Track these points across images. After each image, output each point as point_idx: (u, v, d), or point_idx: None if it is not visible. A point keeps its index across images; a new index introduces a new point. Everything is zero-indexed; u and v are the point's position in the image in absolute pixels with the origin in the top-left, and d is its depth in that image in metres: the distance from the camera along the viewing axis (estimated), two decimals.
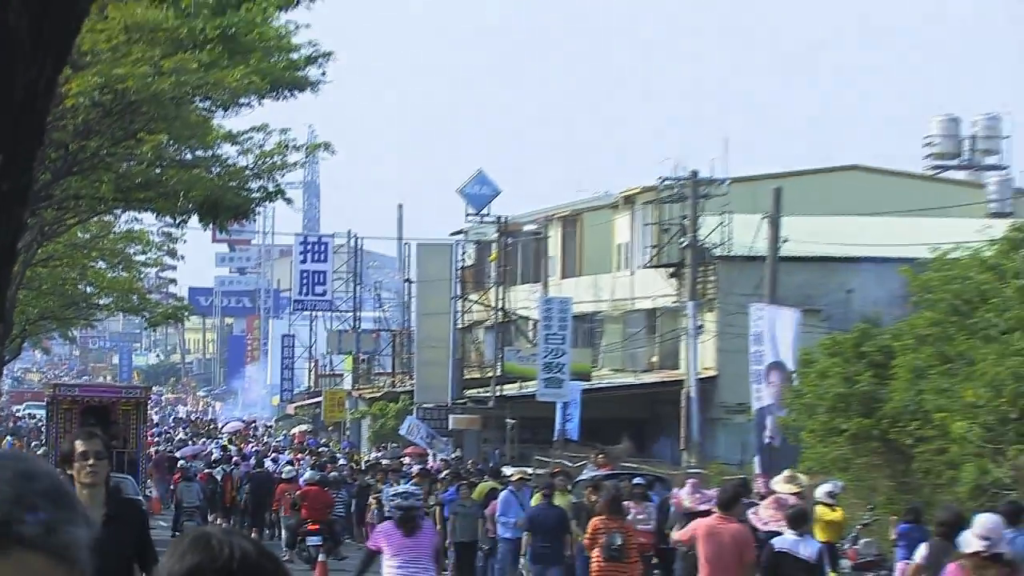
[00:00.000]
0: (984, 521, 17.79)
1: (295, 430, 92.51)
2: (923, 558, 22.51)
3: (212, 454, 66.95)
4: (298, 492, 48.31)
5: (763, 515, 30.64)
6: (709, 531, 25.72)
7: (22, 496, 2.73)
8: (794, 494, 31.81)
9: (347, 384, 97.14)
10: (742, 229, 60.89)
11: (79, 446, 12.17)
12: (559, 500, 36.53)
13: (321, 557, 42.76)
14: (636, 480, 40.21)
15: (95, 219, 57.16)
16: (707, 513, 27.60)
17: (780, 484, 33.24)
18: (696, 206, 62.07)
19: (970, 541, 17.04)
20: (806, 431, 46.91)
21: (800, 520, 27.44)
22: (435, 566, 27.01)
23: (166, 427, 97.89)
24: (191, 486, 55.93)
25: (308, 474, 49.58)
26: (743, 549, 25.52)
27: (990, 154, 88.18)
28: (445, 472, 52.27)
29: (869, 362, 45.23)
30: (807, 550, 24.92)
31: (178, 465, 62.59)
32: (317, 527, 46.09)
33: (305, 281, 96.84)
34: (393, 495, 28.97)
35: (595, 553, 31.11)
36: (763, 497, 33.46)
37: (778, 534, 27.20)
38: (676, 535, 29.32)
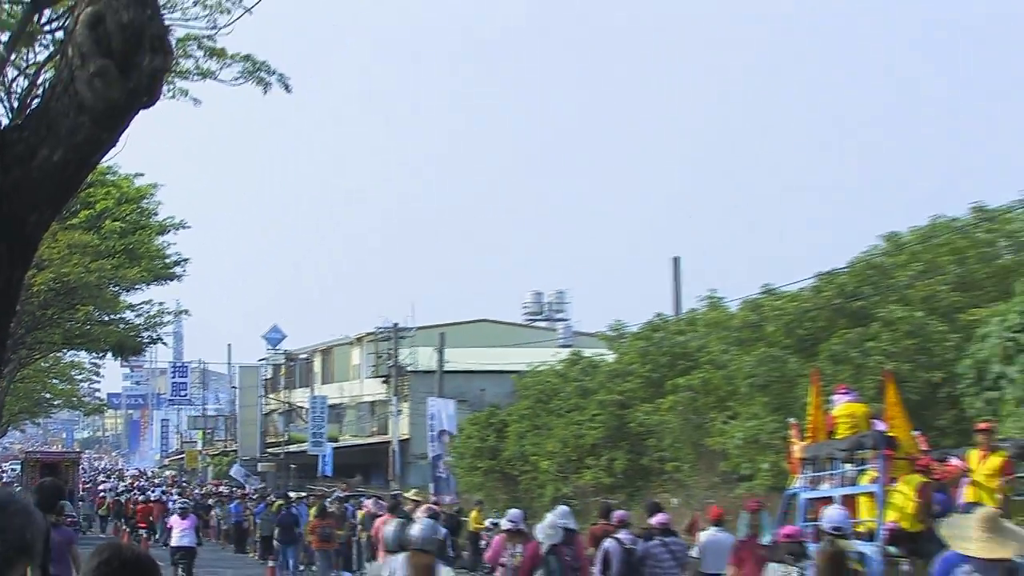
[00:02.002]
0: (559, 511, 20.89)
1: (167, 473, 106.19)
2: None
3: (118, 487, 72.64)
4: (155, 506, 53.94)
5: (418, 514, 28.35)
6: (383, 525, 26.63)
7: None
8: (417, 503, 31.40)
9: (199, 446, 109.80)
10: (424, 355, 66.98)
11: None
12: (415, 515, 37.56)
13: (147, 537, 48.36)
14: (362, 498, 43.98)
15: (51, 355, 66.25)
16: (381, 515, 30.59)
17: (410, 496, 32.51)
18: (396, 343, 69.53)
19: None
20: (460, 469, 54.58)
21: (435, 516, 27.38)
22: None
23: (93, 474, 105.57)
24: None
25: (175, 501, 48.71)
26: None
27: (559, 311, 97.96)
28: (256, 496, 58.35)
29: (494, 429, 52.15)
30: (439, 534, 21.94)
31: (100, 493, 70.81)
32: (146, 525, 51.27)
33: (175, 388, 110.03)
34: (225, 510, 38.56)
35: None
36: (417, 504, 31.49)
37: None
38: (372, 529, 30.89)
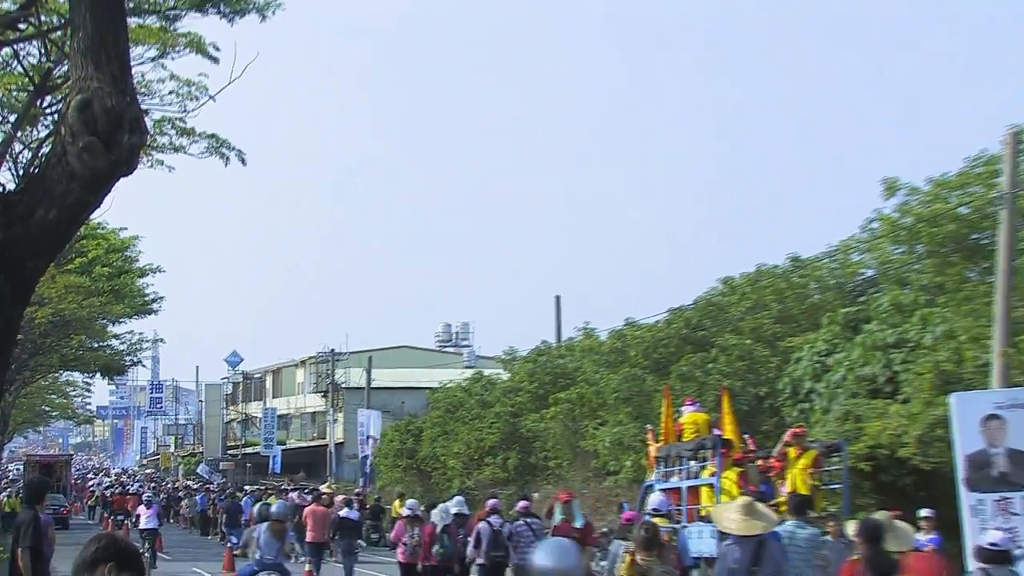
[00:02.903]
0: (454, 500, 21.99)
1: (147, 471, 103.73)
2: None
3: (103, 483, 70.12)
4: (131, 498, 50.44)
5: (337, 502, 32.12)
6: (312, 512, 29.29)
7: None
8: (328, 494, 33.72)
9: (172, 449, 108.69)
10: (355, 375, 67.17)
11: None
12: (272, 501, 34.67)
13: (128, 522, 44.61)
14: (306, 491, 42.34)
15: (50, 375, 64.56)
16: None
17: (324, 488, 35.43)
18: (333, 365, 70.71)
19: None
20: (384, 466, 54.13)
21: (350, 503, 31.51)
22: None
23: (83, 472, 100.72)
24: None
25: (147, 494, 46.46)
26: (326, 517, 29.10)
27: (464, 339, 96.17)
28: (218, 489, 58.15)
29: (411, 434, 52.36)
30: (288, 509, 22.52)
31: (89, 488, 70.80)
32: (123, 512, 48.04)
33: (152, 402, 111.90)
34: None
35: None
36: (332, 494, 35.21)
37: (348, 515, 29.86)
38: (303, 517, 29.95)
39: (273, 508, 20.42)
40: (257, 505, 35.10)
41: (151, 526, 34.41)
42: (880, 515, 12.87)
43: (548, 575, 6.21)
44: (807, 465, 19.55)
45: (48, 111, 20.59)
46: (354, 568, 28.70)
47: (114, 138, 6.75)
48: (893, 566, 11.31)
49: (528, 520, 20.48)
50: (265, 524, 18.79)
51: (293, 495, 38.12)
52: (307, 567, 27.08)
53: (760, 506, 13.02)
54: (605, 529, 24.96)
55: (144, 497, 41.05)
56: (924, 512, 18.26)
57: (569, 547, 6.58)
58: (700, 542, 18.09)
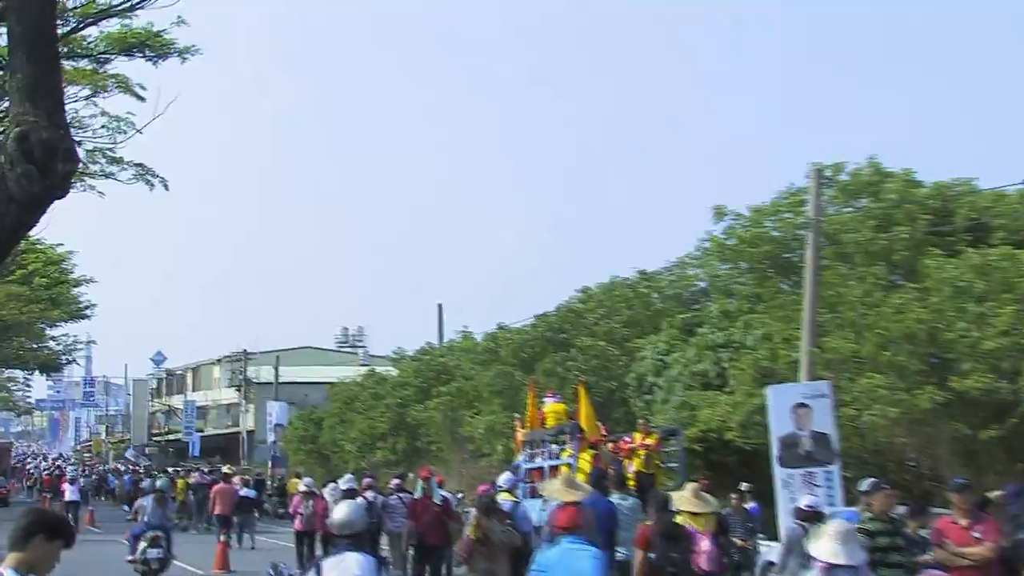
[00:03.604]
0: (344, 478, 21.57)
1: (85, 456, 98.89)
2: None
3: (41, 466, 68.90)
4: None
5: (236, 482, 31.12)
6: (219, 490, 29.29)
7: None
8: (229, 474, 32.40)
9: (103, 436, 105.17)
10: (265, 371, 65.03)
11: None
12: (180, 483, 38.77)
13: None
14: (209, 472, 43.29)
15: None
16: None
17: (226, 469, 33.65)
18: (245, 363, 68.54)
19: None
20: (290, 450, 53.98)
21: (248, 483, 32.35)
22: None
23: (23, 457, 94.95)
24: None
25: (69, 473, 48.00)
26: (231, 494, 28.98)
27: (360, 340, 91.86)
28: (143, 470, 57.26)
29: (313, 423, 52.28)
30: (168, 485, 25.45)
31: (28, 471, 68.48)
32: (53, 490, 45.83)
33: (85, 395, 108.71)
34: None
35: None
36: (235, 474, 34.09)
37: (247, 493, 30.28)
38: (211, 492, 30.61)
39: (158, 483, 23.87)
40: (146, 481, 36.78)
41: (74, 499, 36.14)
42: (690, 485, 12.91)
43: (338, 524, 7.59)
44: (650, 447, 19.76)
45: None
46: (254, 536, 28.97)
47: (49, 166, 6.57)
48: (676, 529, 11.62)
49: (400, 495, 20.63)
50: (151, 495, 21.29)
51: (196, 474, 39.36)
52: (222, 538, 26.37)
53: (578, 480, 13.35)
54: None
55: (68, 475, 42.73)
56: (744, 485, 18.53)
57: (358, 505, 8.45)
58: (540, 513, 17.90)
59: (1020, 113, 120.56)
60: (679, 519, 11.93)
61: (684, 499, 12.14)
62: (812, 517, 12.47)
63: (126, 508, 37.97)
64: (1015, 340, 18.80)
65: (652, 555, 11.44)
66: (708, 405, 25.26)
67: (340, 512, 7.75)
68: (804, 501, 13.39)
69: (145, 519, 20.65)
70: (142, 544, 20.07)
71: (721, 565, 12.35)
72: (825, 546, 8.42)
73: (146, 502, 21.48)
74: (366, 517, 8.27)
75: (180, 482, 37.91)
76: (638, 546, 11.73)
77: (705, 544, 11.89)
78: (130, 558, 20.73)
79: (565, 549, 8.50)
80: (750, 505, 18.66)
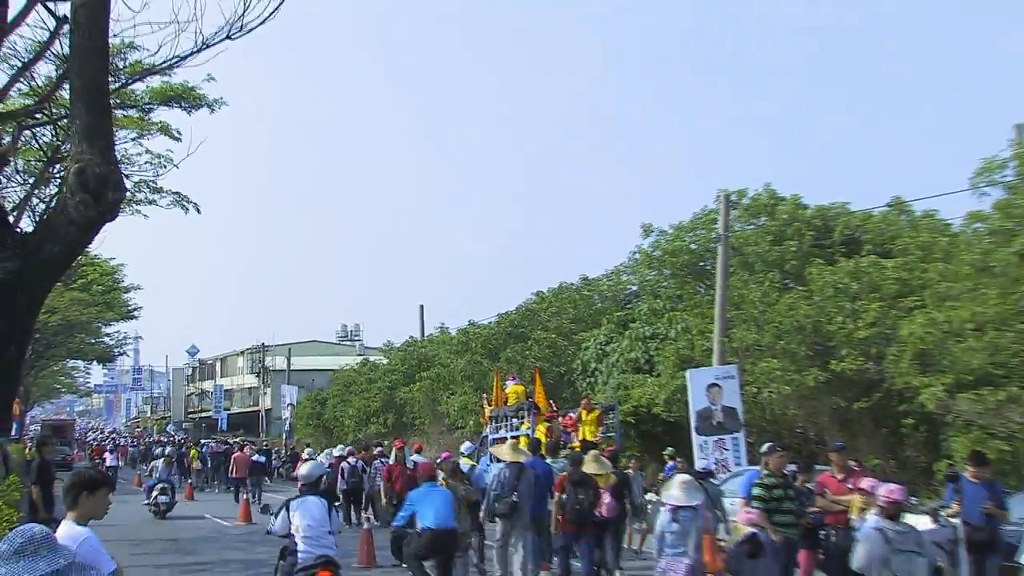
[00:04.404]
0: (338, 447, 24.63)
1: (136, 430, 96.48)
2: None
3: (99, 439, 70.26)
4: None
5: (248, 450, 30.71)
6: (236, 457, 28.87)
7: None
8: (246, 444, 32.95)
9: (148, 415, 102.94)
10: (280, 361, 64.13)
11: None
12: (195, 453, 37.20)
13: None
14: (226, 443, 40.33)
15: (60, 363, 62.70)
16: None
17: (237, 440, 36.73)
18: (264, 354, 68.12)
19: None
20: (300, 425, 51.73)
21: (259, 452, 31.72)
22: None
23: (84, 431, 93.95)
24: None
25: (109, 445, 49.82)
26: (245, 460, 28.58)
27: (357, 335, 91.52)
28: (181, 442, 50.45)
29: (319, 402, 51.12)
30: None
31: (88, 441, 68.80)
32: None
33: (134, 381, 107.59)
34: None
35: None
36: (244, 445, 33.33)
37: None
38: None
39: (167, 451, 29.15)
40: (156, 450, 38.47)
41: (112, 464, 36.98)
42: (591, 452, 13.71)
43: (302, 476, 9.19)
44: (593, 420, 19.96)
45: (56, 175, 19.99)
46: (262, 494, 28.56)
47: (102, 195, 6.66)
48: (584, 479, 12.35)
49: (381, 459, 20.91)
50: (162, 459, 25.23)
51: (212, 444, 38.91)
52: (244, 496, 26.30)
53: (521, 446, 14.00)
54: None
55: (109, 446, 44.43)
56: (669, 450, 18.85)
57: (316, 464, 9.55)
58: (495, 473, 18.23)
59: (884, 148, 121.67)
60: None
61: (587, 462, 12.80)
62: (703, 475, 13.48)
63: (143, 468, 37.83)
64: (880, 330, 18.89)
65: (564, 496, 12.28)
66: (639, 386, 25.23)
67: (302, 470, 9.39)
68: (698, 465, 14.46)
69: (157, 475, 24.16)
70: (155, 493, 23.15)
71: (618, 513, 12.98)
72: (672, 492, 9.30)
73: (158, 463, 25.26)
74: (321, 473, 9.62)
75: (193, 451, 37.67)
76: (556, 490, 12.57)
77: (607, 497, 12.66)
78: (145, 502, 23.52)
79: (427, 489, 11.14)
80: (670, 464, 18.87)
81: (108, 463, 36.67)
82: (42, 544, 3.77)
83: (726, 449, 18.70)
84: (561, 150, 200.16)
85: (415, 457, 19.60)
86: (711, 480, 14.24)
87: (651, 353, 26.54)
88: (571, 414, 20.88)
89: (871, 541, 7.88)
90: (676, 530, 9.04)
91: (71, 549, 4.08)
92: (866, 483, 10.29)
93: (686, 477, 9.91)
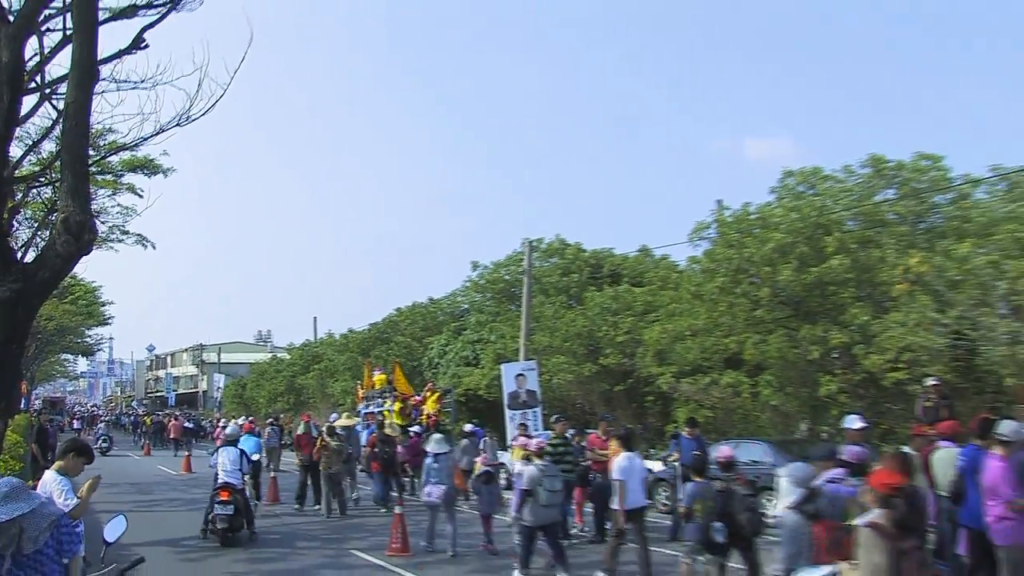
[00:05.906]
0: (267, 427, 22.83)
1: (109, 406, 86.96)
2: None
3: (81, 411, 61.58)
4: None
5: (181, 419, 32.94)
6: (173, 424, 29.67)
7: None
8: (180, 415, 33.30)
9: (119, 394, 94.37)
10: (212, 356, 60.07)
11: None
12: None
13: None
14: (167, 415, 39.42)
15: (54, 357, 56.61)
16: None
17: (168, 412, 36.51)
18: (202, 352, 64.47)
19: None
20: (228, 403, 47.35)
21: (188, 419, 33.34)
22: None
23: (72, 406, 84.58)
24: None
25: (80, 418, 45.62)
26: (180, 427, 30.01)
27: (269, 337, 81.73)
28: (143, 414, 47.30)
29: (242, 387, 48.09)
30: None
31: (75, 413, 59.79)
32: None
33: (108, 369, 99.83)
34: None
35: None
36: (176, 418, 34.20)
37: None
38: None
39: (106, 417, 29.28)
40: (125, 418, 39.74)
41: (77, 427, 36.97)
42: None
43: (225, 435, 11.17)
44: (435, 401, 19.45)
45: (52, 221, 18.58)
46: (193, 450, 27.01)
47: (80, 237, 6.77)
48: (387, 438, 13.85)
49: (272, 427, 20.01)
50: (104, 423, 28.36)
51: (156, 415, 37.49)
52: (184, 452, 25.03)
53: (356, 418, 16.11)
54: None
55: (78, 415, 43.95)
56: (472, 424, 18.33)
57: (233, 426, 11.83)
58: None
59: (642, 203, 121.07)
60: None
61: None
62: (468, 435, 14.59)
63: (99, 428, 35.31)
64: (632, 336, 19.10)
65: (376, 449, 13.89)
66: (468, 375, 24.91)
67: (226, 431, 12.20)
68: (509, 436, 14.24)
69: (102, 431, 28.20)
70: (99, 442, 26.54)
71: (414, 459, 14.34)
72: (431, 445, 10.32)
73: (100, 427, 28.70)
74: (236, 433, 11.72)
75: (147, 419, 36.28)
76: (369, 445, 14.09)
77: (400, 448, 14.53)
78: (95, 447, 23.02)
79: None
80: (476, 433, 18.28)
81: (75, 426, 37.56)
82: (11, 492, 3.29)
83: (529, 420, 18.38)
84: (403, 208, 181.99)
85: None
86: (472, 438, 14.64)
87: (477, 352, 26.28)
88: (417, 396, 20.16)
89: (529, 472, 8.69)
90: (436, 467, 9.97)
91: (41, 498, 3.49)
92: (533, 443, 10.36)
93: (439, 436, 10.65)
